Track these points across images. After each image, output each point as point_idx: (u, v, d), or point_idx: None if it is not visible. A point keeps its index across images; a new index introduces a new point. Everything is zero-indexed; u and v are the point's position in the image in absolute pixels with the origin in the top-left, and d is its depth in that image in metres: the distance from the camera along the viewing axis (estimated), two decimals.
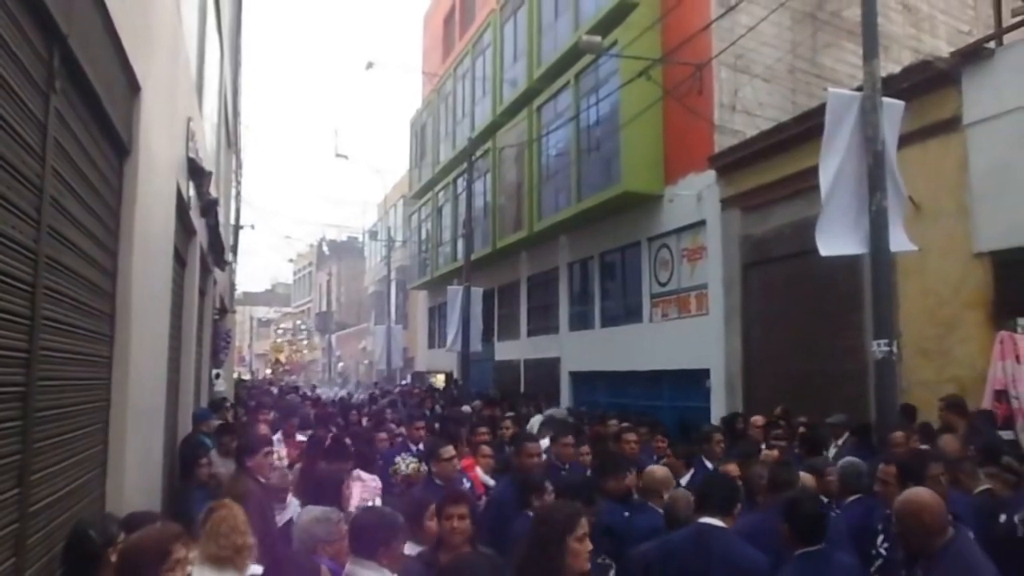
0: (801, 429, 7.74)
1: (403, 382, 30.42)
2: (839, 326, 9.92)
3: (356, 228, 65.17)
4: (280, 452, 6.96)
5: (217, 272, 12.38)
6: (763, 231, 11.54)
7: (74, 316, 3.31)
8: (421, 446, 7.23)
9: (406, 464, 6.01)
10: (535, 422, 10.14)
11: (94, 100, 3.40)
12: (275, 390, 23.71)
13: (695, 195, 12.90)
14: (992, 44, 8.61)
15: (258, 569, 3.24)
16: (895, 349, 7.21)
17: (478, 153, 20.04)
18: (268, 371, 53.23)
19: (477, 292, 19.05)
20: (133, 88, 4.15)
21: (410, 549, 3.69)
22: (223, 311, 14.87)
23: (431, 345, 28.90)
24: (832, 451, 6.94)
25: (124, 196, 4.14)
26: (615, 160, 14.19)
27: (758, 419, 8.36)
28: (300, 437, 8.54)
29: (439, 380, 26.06)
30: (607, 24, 14.09)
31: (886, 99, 7.51)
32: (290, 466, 6.63)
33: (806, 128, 9.85)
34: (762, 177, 11.40)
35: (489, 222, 20.53)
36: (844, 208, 7.47)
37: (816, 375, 10.25)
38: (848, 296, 9.66)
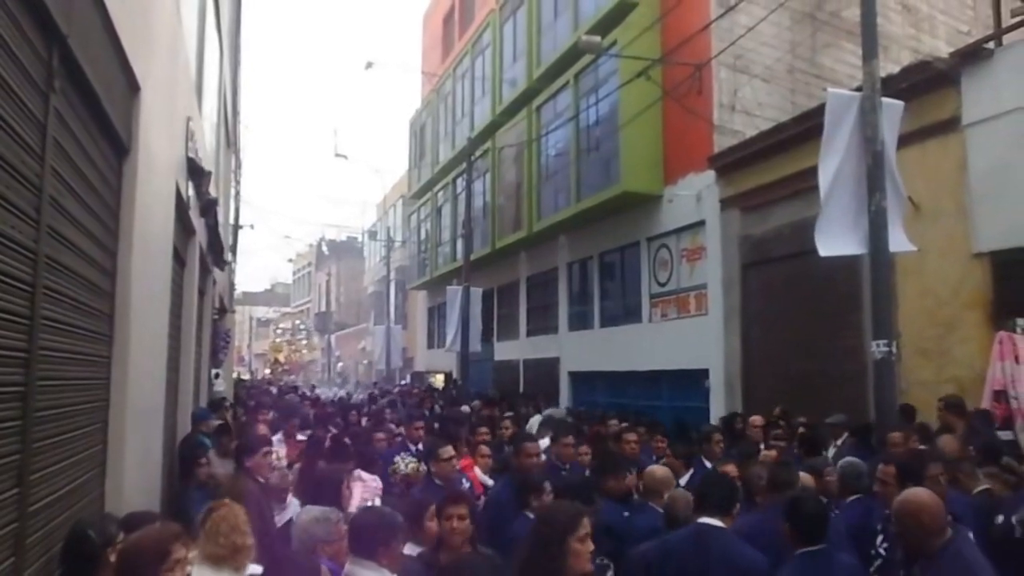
0: (800, 429, 7.74)
1: (402, 382, 30.41)
2: (838, 326, 9.92)
3: (355, 228, 65.23)
4: (279, 452, 6.95)
5: (216, 272, 12.37)
6: (762, 231, 11.54)
7: (73, 316, 3.31)
8: (420, 446, 7.23)
9: (405, 464, 6.01)
10: (534, 422, 10.14)
11: (93, 100, 3.40)
12: (274, 390, 23.71)
13: (694, 195, 12.91)
14: (991, 44, 8.61)
15: (257, 569, 3.24)
16: (894, 349, 7.22)
17: (477, 153, 20.04)
18: (267, 371, 53.20)
19: (476, 292, 19.05)
20: (132, 88, 4.15)
21: (410, 550, 3.69)
22: (222, 311, 14.87)
23: (430, 345, 28.90)
24: (831, 451, 6.94)
25: (123, 196, 4.14)
26: (614, 160, 14.19)
27: (756, 419, 8.37)
28: (301, 437, 8.54)
29: (438, 380, 26.05)
30: (606, 24, 14.09)
31: (885, 99, 7.51)
32: (289, 466, 6.62)
33: (805, 128, 9.86)
34: (761, 177, 11.41)
35: (488, 222, 20.54)
36: (843, 208, 7.47)
37: (815, 375, 10.25)
38: (847, 296, 9.66)
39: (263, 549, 3.52)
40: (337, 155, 49.46)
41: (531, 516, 4.38)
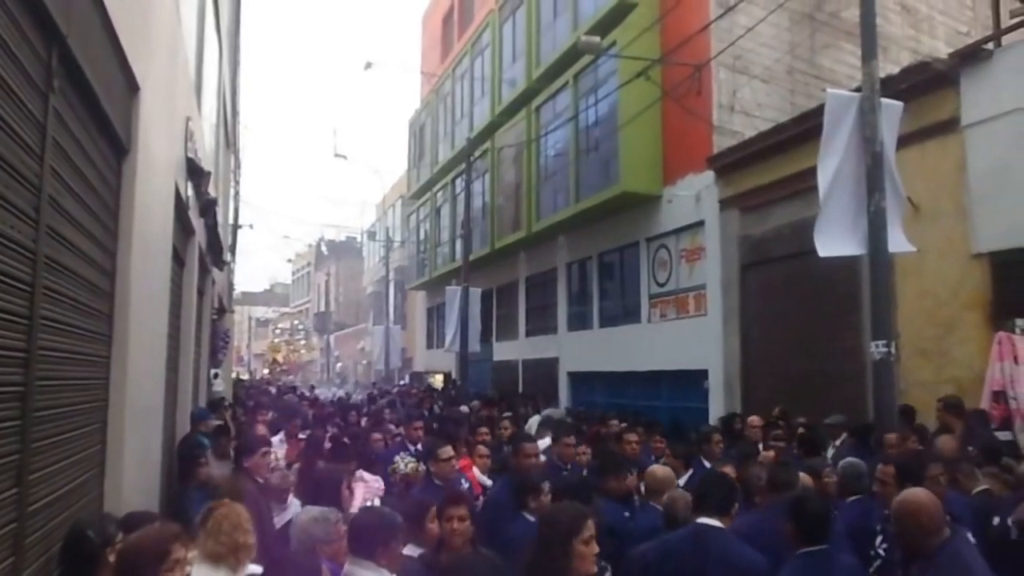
0: (800, 430, 7.75)
1: (401, 382, 30.41)
2: (837, 327, 9.92)
3: (355, 228, 65.28)
4: (277, 453, 6.95)
5: (215, 272, 12.36)
6: (762, 232, 11.55)
7: (73, 316, 3.31)
8: (419, 446, 7.23)
9: (405, 464, 6.01)
10: (533, 422, 10.14)
11: (93, 100, 3.40)
12: (273, 390, 23.71)
13: (694, 196, 12.91)
14: (990, 45, 8.62)
15: (257, 569, 3.24)
16: (893, 350, 7.22)
17: (477, 153, 20.04)
18: (265, 371, 53.18)
19: (475, 292, 19.05)
20: (132, 88, 4.14)
21: (411, 551, 3.69)
22: (221, 311, 14.86)
23: (429, 345, 28.90)
24: (830, 452, 6.95)
25: (123, 196, 4.13)
26: (614, 160, 14.20)
27: (755, 420, 8.37)
28: (303, 437, 8.54)
29: (437, 380, 26.05)
30: (606, 24, 14.10)
31: (885, 100, 7.52)
32: (288, 466, 6.62)
33: (805, 129, 9.86)
34: (761, 178, 11.41)
35: (488, 222, 20.54)
36: (843, 209, 7.48)
37: (814, 376, 10.26)
38: (846, 297, 9.67)
39: (262, 550, 3.52)
40: (336, 155, 49.44)
41: (529, 517, 4.38)
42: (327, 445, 7.01)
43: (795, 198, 10.46)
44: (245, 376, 40.27)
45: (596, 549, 2.93)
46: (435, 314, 27.46)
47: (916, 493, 3.45)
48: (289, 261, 64.63)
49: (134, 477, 4.24)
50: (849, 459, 5.21)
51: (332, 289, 56.03)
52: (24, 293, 2.66)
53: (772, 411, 9.21)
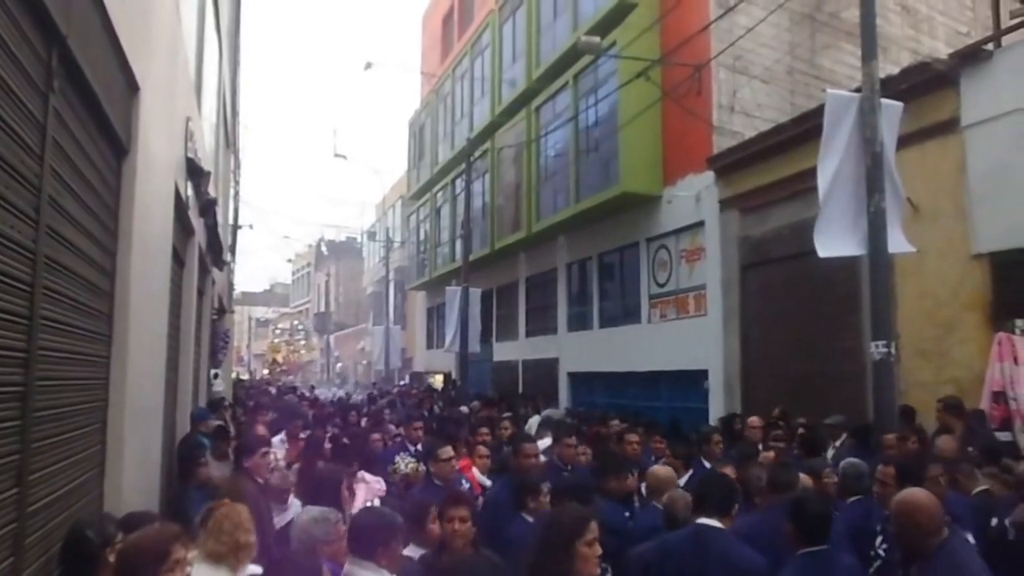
0: (800, 430, 7.75)
1: (401, 382, 30.41)
2: (837, 327, 9.92)
3: (354, 228, 65.25)
4: (276, 454, 6.94)
5: (215, 272, 12.36)
6: (762, 232, 11.55)
7: (73, 316, 3.31)
8: (419, 447, 7.23)
9: (405, 464, 6.02)
10: (533, 423, 10.14)
11: (93, 100, 3.40)
12: (273, 390, 23.71)
13: (694, 196, 12.91)
14: (990, 46, 8.62)
15: (257, 570, 3.24)
16: (893, 350, 7.22)
17: (477, 154, 20.04)
18: (265, 371, 53.19)
19: (475, 293, 19.05)
20: (132, 88, 4.14)
21: (413, 551, 3.69)
22: (221, 311, 14.87)
23: (429, 346, 28.89)
24: (830, 452, 6.95)
25: (123, 196, 4.14)
26: (614, 161, 14.19)
27: (754, 420, 8.35)
28: (303, 437, 8.54)
29: (437, 381, 26.05)
30: (606, 25, 14.10)
31: (884, 100, 7.52)
32: (289, 466, 6.62)
33: (805, 129, 9.86)
34: (761, 178, 11.41)
35: (487, 223, 20.54)
36: (842, 209, 7.48)
37: (814, 376, 10.26)
38: (846, 297, 9.67)
39: (261, 550, 3.52)
40: (336, 155, 49.55)
41: (528, 518, 4.38)
42: (327, 446, 7.01)
43: (795, 199, 10.46)
44: (245, 376, 40.27)
45: (599, 551, 2.93)
46: (435, 314, 27.45)
47: (915, 493, 3.45)
48: (289, 261, 64.66)
49: (134, 477, 4.24)
50: (850, 459, 5.21)
51: (332, 289, 56.02)
52: (24, 293, 2.66)
53: (772, 411, 9.21)
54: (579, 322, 17.17)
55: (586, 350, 16.58)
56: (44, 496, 2.95)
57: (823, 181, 7.52)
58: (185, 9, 6.45)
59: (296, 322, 64.81)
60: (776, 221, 11.21)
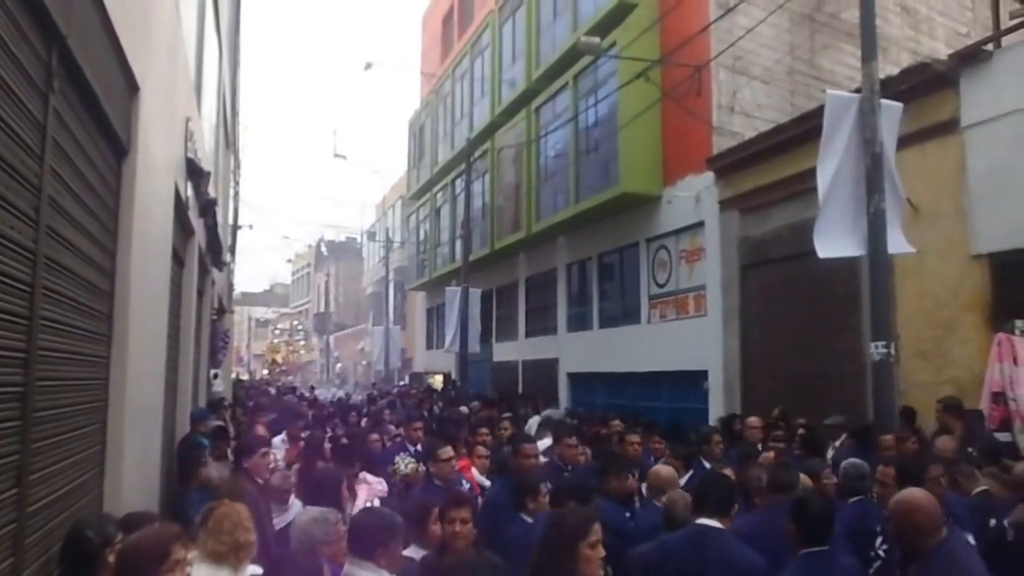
0: (800, 431, 7.75)
1: (401, 383, 30.41)
2: (837, 328, 9.92)
3: (354, 229, 65.24)
4: (276, 455, 6.94)
5: (215, 272, 12.36)
6: (761, 233, 11.55)
7: (72, 316, 3.31)
8: (419, 447, 7.23)
9: (405, 464, 6.02)
10: (533, 423, 10.14)
11: (93, 100, 3.40)
12: (272, 391, 23.70)
13: (693, 196, 12.91)
14: (990, 46, 8.62)
15: (258, 570, 3.24)
16: (893, 351, 7.22)
17: (476, 154, 20.04)
18: (265, 371, 53.18)
19: (475, 293, 19.05)
20: (132, 88, 4.14)
21: (414, 552, 3.68)
22: (221, 311, 14.86)
23: (429, 346, 28.90)
24: (830, 453, 6.95)
25: (122, 196, 4.13)
26: (613, 161, 14.19)
27: (753, 420, 8.33)
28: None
29: (437, 381, 26.05)
30: (606, 25, 14.10)
31: (884, 101, 7.52)
32: (289, 466, 6.63)
33: (804, 130, 9.86)
34: (760, 179, 11.42)
35: (487, 223, 20.54)
36: (842, 210, 7.48)
37: (814, 377, 10.26)
38: (846, 298, 9.67)
39: (261, 550, 3.52)
40: (336, 155, 49.44)
41: (527, 518, 4.38)
42: (327, 446, 7.01)
43: (795, 199, 10.46)
44: (245, 377, 40.27)
45: (602, 553, 2.93)
46: (435, 315, 27.45)
47: (913, 493, 3.45)
48: (289, 261, 64.67)
49: (134, 477, 4.24)
50: (852, 460, 5.20)
51: (332, 289, 56.03)
52: (24, 293, 2.66)
53: (772, 412, 9.22)
54: (579, 322, 17.17)
55: (586, 350, 16.58)
56: (44, 496, 2.95)
57: (823, 182, 7.52)
58: (185, 9, 6.45)
59: (296, 322, 64.83)
60: (776, 222, 11.21)
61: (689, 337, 13.05)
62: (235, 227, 19.63)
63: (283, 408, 12.71)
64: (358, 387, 36.24)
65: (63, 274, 3.14)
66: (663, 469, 5.30)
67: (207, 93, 9.21)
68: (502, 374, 20.84)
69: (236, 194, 19.86)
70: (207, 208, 8.58)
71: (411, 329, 33.12)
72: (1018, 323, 7.74)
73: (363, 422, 11.19)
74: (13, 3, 2.41)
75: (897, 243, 7.52)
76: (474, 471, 6.45)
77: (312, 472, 5.72)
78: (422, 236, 27.83)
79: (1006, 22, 9.00)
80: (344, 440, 7.76)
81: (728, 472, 4.97)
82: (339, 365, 53.88)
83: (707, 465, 6.10)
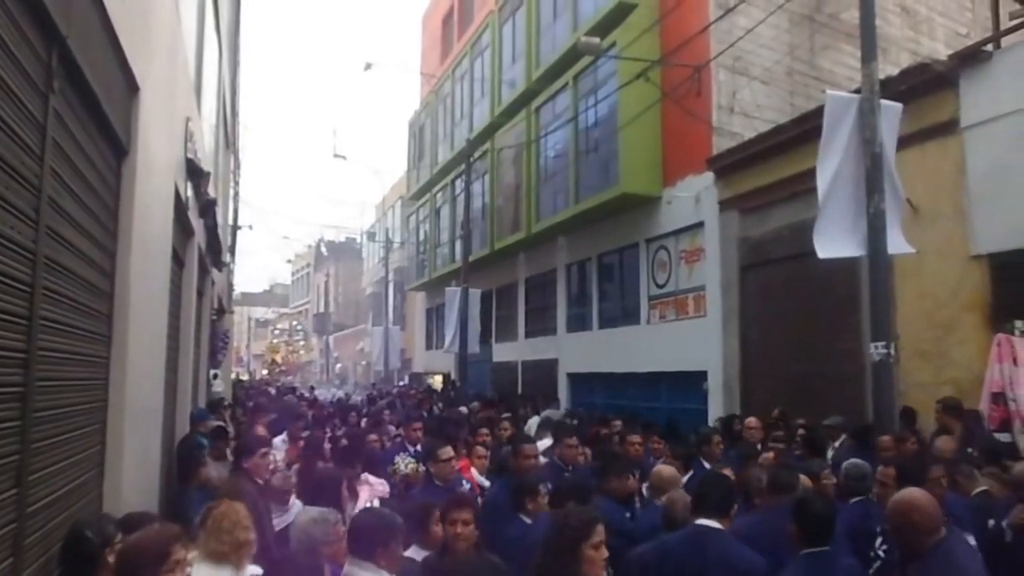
0: (800, 431, 7.75)
1: (401, 383, 30.40)
2: (837, 328, 9.92)
3: (354, 229, 65.21)
4: (277, 455, 6.94)
5: (215, 272, 12.36)
6: (761, 233, 11.55)
7: (72, 316, 3.31)
8: (419, 447, 7.23)
9: (404, 464, 6.02)
10: (533, 423, 10.14)
11: (92, 100, 3.40)
12: (272, 391, 23.69)
13: (693, 197, 12.91)
14: (990, 47, 8.63)
15: (258, 570, 3.24)
16: (892, 351, 7.22)
17: (476, 154, 20.04)
18: (264, 372, 53.17)
19: (475, 293, 19.05)
20: (131, 88, 4.15)
21: (416, 553, 3.68)
22: (221, 311, 14.87)
23: (429, 346, 28.89)
24: (829, 454, 6.95)
25: (122, 196, 4.14)
26: (613, 162, 14.19)
27: (752, 421, 8.33)
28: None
29: (437, 381, 26.04)
30: (606, 25, 14.10)
31: (884, 101, 7.52)
32: (289, 466, 6.63)
33: (804, 130, 9.86)
34: (760, 179, 11.42)
35: (487, 223, 20.54)
36: (842, 210, 7.48)
37: (814, 377, 10.26)
38: (846, 298, 9.67)
39: (260, 551, 3.52)
40: (336, 156, 49.45)
41: (525, 519, 4.37)
42: (327, 446, 7.01)
43: (794, 199, 10.46)
44: (244, 377, 40.27)
45: (605, 554, 2.93)
46: (434, 315, 27.45)
47: (911, 492, 3.46)
48: (288, 262, 64.66)
49: (133, 478, 4.24)
50: (853, 460, 5.21)
51: (331, 290, 56.05)
52: (24, 294, 2.66)
53: (771, 412, 9.22)
54: (578, 323, 17.17)
55: (585, 351, 16.58)
56: (44, 496, 2.95)
57: (822, 182, 7.52)
58: (185, 9, 6.45)
59: (295, 323, 64.82)
60: (776, 222, 11.21)
61: (689, 338, 13.05)
62: (235, 227, 19.62)
63: (283, 408, 12.71)
64: (358, 387, 36.25)
65: (63, 274, 3.14)
66: (665, 469, 5.29)
67: (207, 93, 9.21)
68: (502, 374, 20.84)
69: (236, 194, 19.86)
70: (207, 208, 8.58)
71: (411, 329, 33.11)
72: (1018, 324, 7.73)
73: (363, 422, 11.19)
74: (13, 3, 2.41)
75: (897, 243, 7.52)
76: (473, 471, 6.45)
77: (312, 472, 5.72)
78: (422, 236, 27.82)
79: (1006, 23, 9.01)
80: (344, 440, 7.77)
81: (728, 473, 4.97)
82: (339, 365, 53.88)
83: (707, 466, 6.10)
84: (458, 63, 23.67)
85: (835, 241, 7.50)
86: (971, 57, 8.60)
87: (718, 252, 12.45)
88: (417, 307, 31.57)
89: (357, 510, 4.50)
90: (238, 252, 21.86)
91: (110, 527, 2.95)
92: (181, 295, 7.65)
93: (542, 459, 6.08)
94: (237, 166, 19.93)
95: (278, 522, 4.82)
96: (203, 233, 9.13)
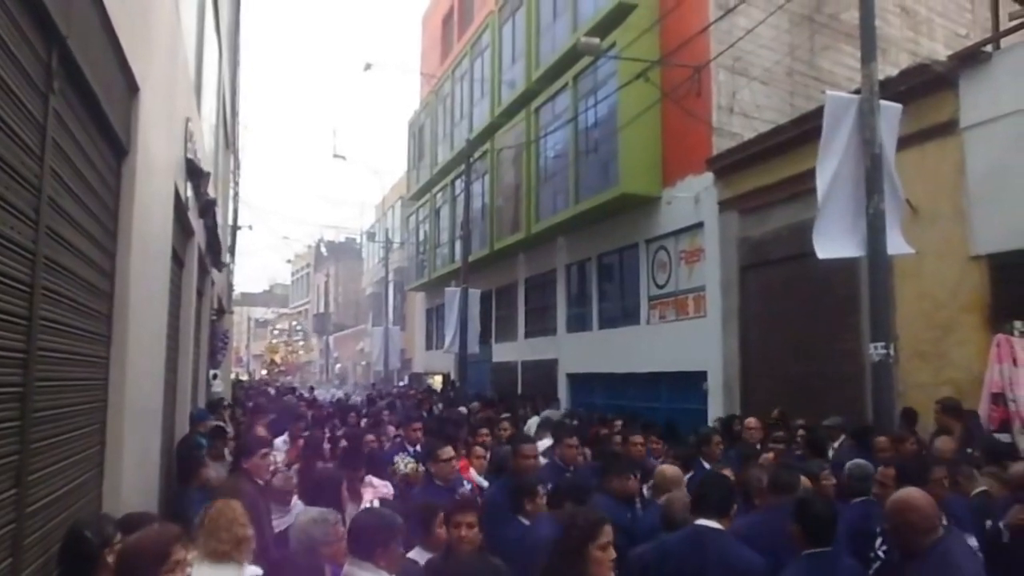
0: (800, 432, 7.75)
1: (400, 383, 30.39)
2: (836, 329, 9.93)
3: (354, 229, 65.17)
4: (277, 456, 6.94)
5: (215, 273, 12.36)
6: (761, 233, 11.55)
7: (72, 317, 3.31)
8: (418, 447, 7.23)
9: (404, 464, 6.01)
10: (532, 424, 10.14)
11: (92, 101, 3.40)
12: (272, 391, 23.68)
13: (693, 197, 12.91)
14: (989, 48, 8.63)
15: (258, 571, 3.24)
16: (892, 352, 7.23)
17: (476, 154, 20.04)
18: (264, 372, 53.16)
19: (475, 293, 19.05)
20: (131, 89, 4.14)
21: (419, 555, 3.67)
22: (220, 312, 14.87)
23: (428, 346, 28.89)
24: (828, 454, 6.95)
25: (122, 197, 4.14)
26: (613, 162, 14.20)
27: (751, 421, 8.33)
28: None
29: (436, 381, 26.04)
30: (605, 26, 14.10)
31: (884, 102, 7.53)
32: (289, 466, 6.62)
33: (804, 131, 9.87)
34: (760, 179, 11.42)
35: (487, 223, 20.54)
36: (841, 211, 7.49)
37: (813, 377, 10.26)
38: (845, 299, 9.67)
39: (260, 552, 3.52)
40: (336, 156, 49.37)
41: (524, 520, 4.37)
42: (326, 446, 7.01)
43: (794, 200, 10.46)
44: (244, 377, 40.26)
45: (613, 555, 2.93)
46: (434, 315, 27.45)
47: (910, 492, 3.46)
48: (288, 262, 64.65)
49: (133, 478, 4.24)
50: (856, 460, 5.21)
51: (331, 290, 56.04)
52: (23, 294, 2.66)
53: (771, 413, 9.22)
54: (578, 323, 17.17)
55: (585, 351, 16.58)
56: (43, 497, 2.95)
57: (822, 182, 7.52)
58: (185, 9, 6.44)
59: (295, 323, 64.81)
60: (775, 222, 11.21)
61: (688, 338, 13.06)
62: (235, 227, 19.62)
63: (282, 408, 12.70)
64: (357, 387, 36.22)
65: (63, 274, 3.14)
66: (668, 469, 5.29)
67: (207, 93, 9.21)
68: (501, 375, 20.84)
69: (236, 194, 19.85)
70: (207, 209, 8.58)
71: (410, 330, 33.11)
72: (1017, 324, 7.74)
73: (362, 423, 11.18)
74: (13, 3, 2.41)
75: (896, 244, 7.52)
76: (472, 471, 6.45)
77: (312, 472, 5.72)
78: (422, 237, 27.82)
79: (1005, 23, 9.02)
80: (343, 441, 7.76)
81: (727, 473, 4.98)
82: (338, 366, 53.88)
83: (707, 466, 6.10)
84: (458, 63, 23.68)
85: (835, 241, 7.51)
86: (971, 58, 8.60)
87: (718, 252, 12.45)
88: (417, 307, 31.57)
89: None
90: (238, 252, 21.87)
91: (109, 527, 2.94)
92: (181, 295, 7.65)
93: (542, 459, 6.07)
94: (237, 166, 19.93)
95: (280, 523, 4.81)
96: (203, 233, 9.13)
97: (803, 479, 4.65)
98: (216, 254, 11.67)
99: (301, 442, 8.05)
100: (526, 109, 18.01)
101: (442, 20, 28.35)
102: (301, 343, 61.19)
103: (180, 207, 6.55)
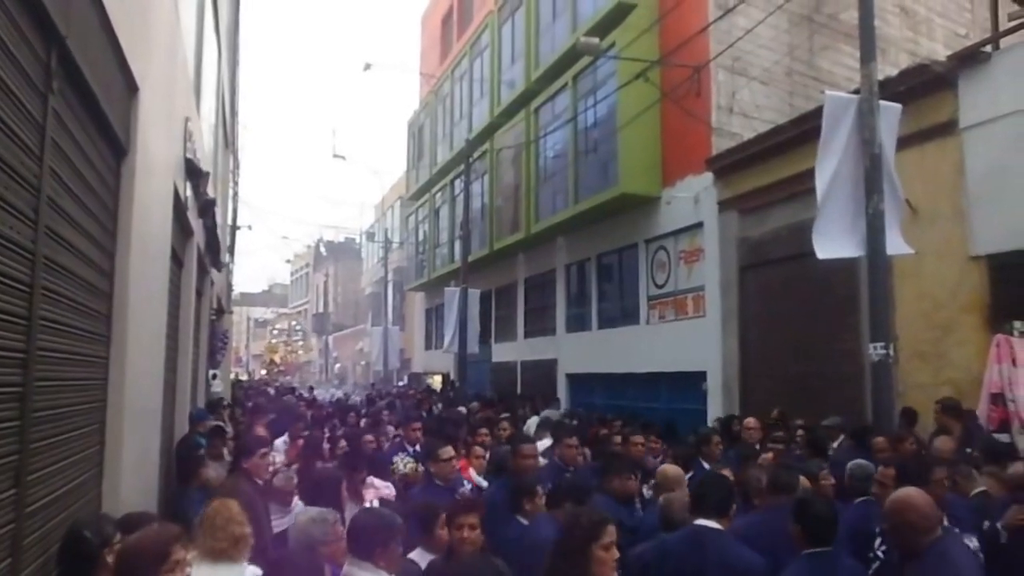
0: (800, 432, 7.75)
1: (400, 383, 30.39)
2: (836, 329, 9.93)
3: (353, 229, 65.22)
4: (276, 457, 6.93)
5: (214, 272, 12.36)
6: (760, 233, 11.55)
7: (71, 316, 3.31)
8: (418, 447, 7.23)
9: (404, 464, 6.01)
10: (532, 423, 10.13)
11: (92, 100, 3.40)
12: (271, 391, 23.67)
13: (692, 197, 12.92)
14: (989, 48, 8.63)
15: (257, 571, 3.24)
16: (891, 352, 7.23)
17: (476, 154, 20.04)
18: (263, 372, 53.13)
19: (474, 293, 19.05)
20: (131, 88, 4.14)
21: (420, 557, 3.67)
22: (220, 312, 14.86)
23: (428, 346, 28.89)
24: (828, 454, 6.94)
25: (121, 197, 4.13)
26: (613, 162, 14.20)
27: (751, 421, 8.32)
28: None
29: (436, 381, 26.04)
30: (605, 26, 14.10)
31: (883, 102, 7.53)
32: (288, 466, 6.62)
33: (803, 131, 9.87)
34: (759, 179, 11.42)
35: (486, 223, 20.54)
36: (841, 211, 7.48)
37: (813, 378, 10.26)
38: (845, 299, 9.67)
39: (259, 551, 3.51)
40: (335, 156, 49.60)
41: (523, 520, 4.36)
42: (326, 446, 7.00)
43: (794, 200, 10.46)
44: (243, 377, 40.24)
45: (616, 555, 2.92)
46: (434, 315, 27.45)
47: (908, 492, 3.46)
48: (288, 262, 64.62)
49: (132, 478, 4.24)
50: (858, 460, 5.21)
51: (331, 290, 56.03)
52: (23, 294, 2.66)
53: (770, 413, 9.22)
54: (578, 323, 17.17)
55: (585, 351, 16.58)
56: (42, 497, 2.94)
57: (822, 182, 7.52)
58: (184, 9, 6.44)
59: (294, 323, 64.78)
60: (775, 222, 11.21)
61: (688, 338, 13.06)
62: (234, 227, 19.61)
63: (282, 408, 12.70)
64: (357, 387, 36.23)
65: (62, 274, 3.14)
66: (670, 468, 5.28)
67: (206, 93, 9.21)
68: (501, 375, 20.84)
69: (235, 194, 19.84)
70: (206, 208, 8.57)
71: (410, 329, 33.11)
72: (1017, 324, 7.74)
73: (362, 423, 11.18)
74: (13, 3, 2.41)
75: (896, 244, 7.52)
76: (471, 471, 6.45)
77: (311, 472, 5.72)
78: (421, 237, 27.82)
79: (1005, 23, 9.02)
80: (343, 441, 7.76)
81: (727, 473, 4.97)
82: (338, 365, 53.86)
83: (706, 466, 6.10)
84: (457, 63, 23.67)
85: (834, 241, 7.51)
86: (970, 58, 8.60)
87: (717, 252, 12.45)
88: (416, 307, 31.56)
89: None
90: (237, 252, 21.85)
91: (109, 527, 2.94)
92: (180, 295, 7.64)
93: (542, 460, 6.07)
94: (236, 166, 19.92)
95: (281, 523, 4.81)
96: (202, 233, 9.13)
97: (802, 479, 4.65)
98: (215, 254, 11.67)
99: (301, 442, 8.05)
100: (525, 109, 18.00)
101: (441, 20, 28.34)
102: (300, 343, 61.17)
103: (179, 207, 6.55)
